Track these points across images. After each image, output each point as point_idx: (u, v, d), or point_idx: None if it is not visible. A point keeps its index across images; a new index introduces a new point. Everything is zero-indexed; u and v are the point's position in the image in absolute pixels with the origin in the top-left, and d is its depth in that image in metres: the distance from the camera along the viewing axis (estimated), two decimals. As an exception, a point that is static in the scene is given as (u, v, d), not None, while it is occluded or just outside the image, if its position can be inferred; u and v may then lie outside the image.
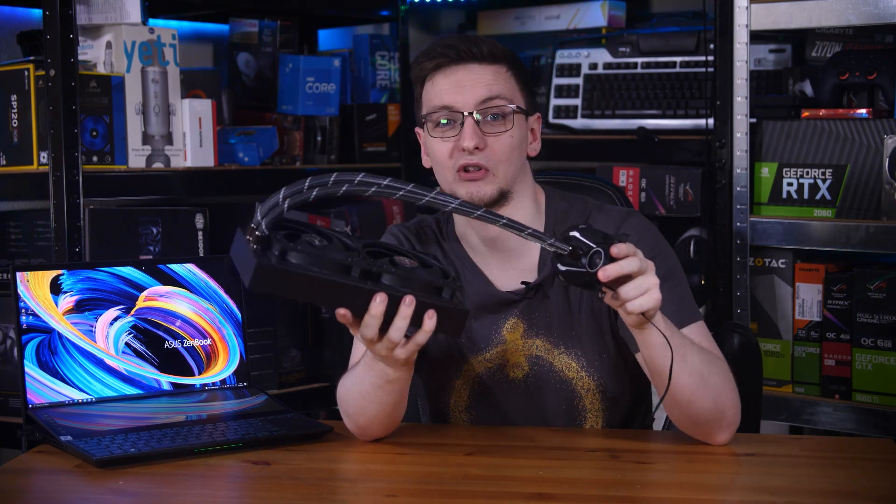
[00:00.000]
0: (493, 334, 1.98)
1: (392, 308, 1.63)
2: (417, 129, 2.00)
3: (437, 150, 1.92)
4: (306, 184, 1.61)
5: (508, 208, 1.93)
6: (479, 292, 1.97)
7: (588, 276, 1.64)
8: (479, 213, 1.67)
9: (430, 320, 1.64)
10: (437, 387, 2.01)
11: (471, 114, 1.90)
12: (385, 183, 1.63)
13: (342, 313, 1.63)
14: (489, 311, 1.98)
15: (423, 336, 1.67)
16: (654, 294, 1.67)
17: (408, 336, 1.67)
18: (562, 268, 1.66)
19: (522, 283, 1.96)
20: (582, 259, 1.64)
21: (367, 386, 1.81)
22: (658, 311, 1.71)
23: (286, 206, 1.58)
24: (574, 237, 1.65)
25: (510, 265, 1.98)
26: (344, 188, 1.61)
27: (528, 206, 1.98)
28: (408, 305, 1.63)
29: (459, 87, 1.91)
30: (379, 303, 1.62)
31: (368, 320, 1.63)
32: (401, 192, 1.63)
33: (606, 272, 1.63)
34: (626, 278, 1.66)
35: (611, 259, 1.63)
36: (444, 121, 1.91)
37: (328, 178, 1.61)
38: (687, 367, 1.77)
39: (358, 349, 1.92)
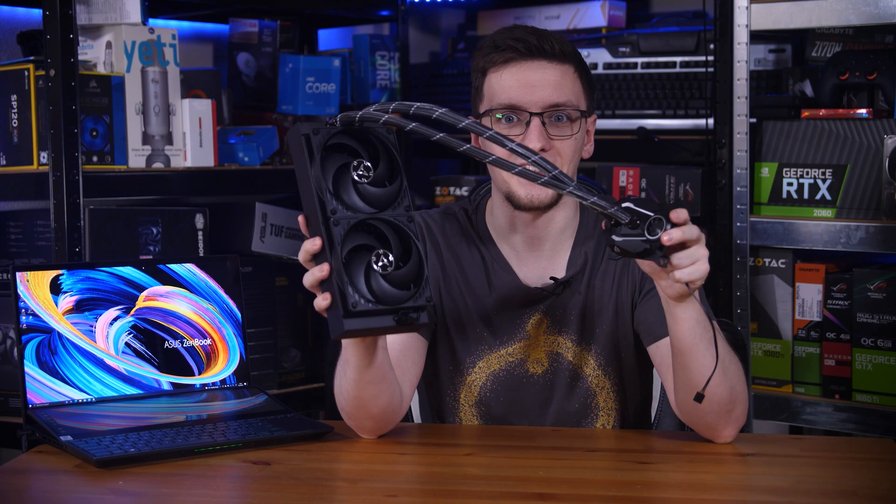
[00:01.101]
0: (517, 329, 1.99)
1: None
2: (472, 118, 1.98)
3: (498, 147, 1.87)
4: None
5: (557, 209, 1.95)
6: (506, 285, 1.98)
7: (649, 244, 1.63)
8: (546, 178, 1.61)
9: (324, 301, 1.69)
10: (448, 380, 2.01)
11: (538, 114, 1.88)
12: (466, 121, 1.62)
13: (301, 220, 1.66)
14: (515, 305, 1.98)
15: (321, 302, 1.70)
16: (703, 265, 1.67)
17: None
18: (617, 239, 1.64)
19: (551, 278, 1.97)
20: (641, 227, 1.63)
21: (350, 370, 1.80)
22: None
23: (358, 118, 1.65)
24: (629, 208, 1.64)
25: (540, 263, 1.99)
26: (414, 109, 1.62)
27: (571, 206, 1.99)
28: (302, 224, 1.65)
29: (529, 87, 1.89)
30: (315, 243, 1.64)
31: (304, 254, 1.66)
32: (510, 146, 1.60)
33: (671, 236, 1.63)
34: (680, 246, 1.66)
35: (672, 225, 1.64)
36: (510, 118, 1.90)
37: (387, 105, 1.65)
38: (712, 349, 1.76)
39: None
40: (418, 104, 1.62)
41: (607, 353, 1.99)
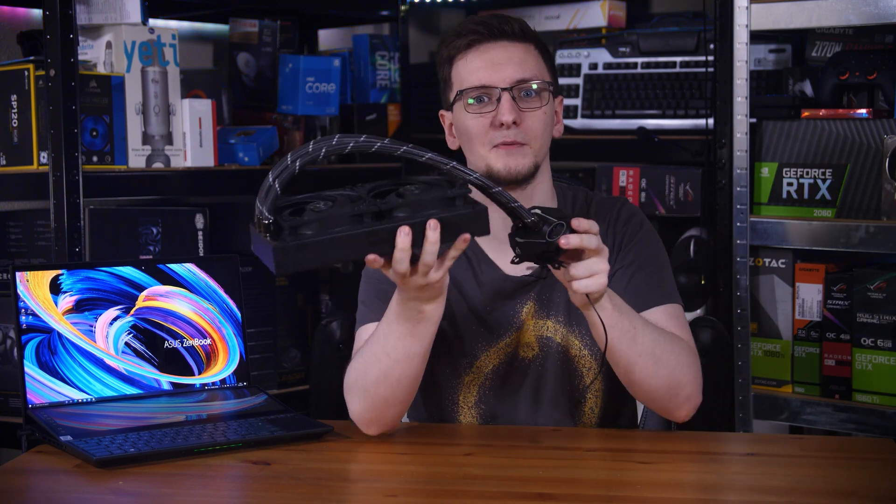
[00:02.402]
0: (511, 319, 2.00)
1: (417, 235, 1.64)
2: (443, 113, 2.03)
3: (471, 126, 1.95)
4: (288, 159, 1.60)
5: (534, 184, 1.99)
6: (495, 280, 2.00)
7: (547, 247, 1.69)
8: (452, 164, 1.67)
9: (433, 231, 1.64)
10: (445, 382, 2.01)
11: (507, 89, 1.93)
12: (380, 144, 1.64)
13: (371, 259, 1.64)
14: (506, 296, 2.00)
15: (455, 251, 1.68)
16: (600, 279, 1.73)
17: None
18: (520, 240, 1.71)
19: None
20: (543, 230, 1.69)
21: (392, 341, 1.79)
22: (607, 295, 1.78)
23: (277, 185, 1.58)
24: (536, 213, 1.70)
25: None
26: (323, 150, 1.61)
27: (547, 187, 2.04)
28: (434, 229, 1.64)
29: (495, 66, 1.95)
30: (404, 236, 1.63)
31: (399, 255, 1.64)
32: (400, 150, 1.64)
33: (568, 241, 1.69)
34: (578, 257, 1.72)
35: (572, 231, 1.69)
36: (480, 98, 1.94)
37: (306, 147, 1.61)
38: (637, 346, 1.84)
39: (363, 335, 1.93)
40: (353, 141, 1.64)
41: (592, 335, 1.98)
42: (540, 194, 2.01)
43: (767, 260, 2.61)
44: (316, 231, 1.58)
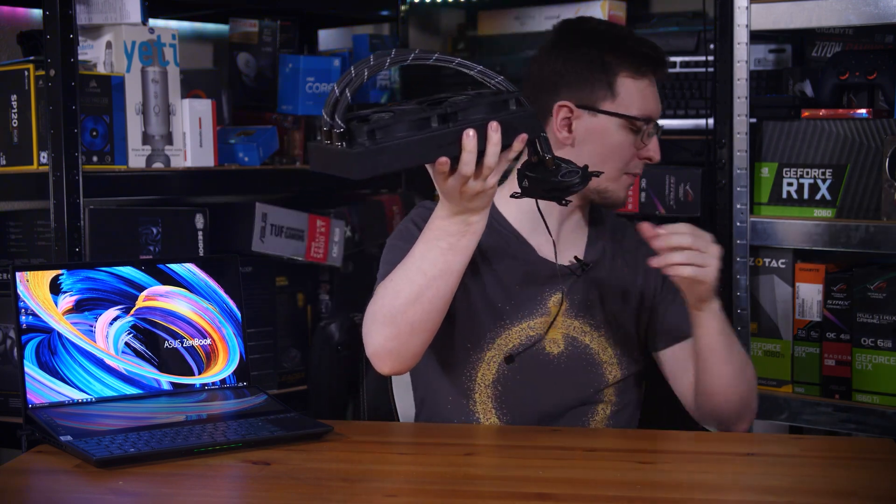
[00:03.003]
0: (537, 305, 2.02)
1: (482, 141, 1.68)
2: (567, 105, 2.02)
3: (621, 150, 2.01)
4: (353, 71, 1.64)
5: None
6: (530, 260, 2.03)
7: (558, 185, 1.75)
8: (499, 78, 1.73)
9: (495, 133, 1.68)
10: (465, 358, 2.02)
11: (659, 128, 2.04)
12: (437, 56, 1.70)
13: (442, 161, 1.67)
14: (536, 281, 2.03)
15: (513, 153, 1.72)
16: (711, 271, 1.84)
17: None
18: (530, 174, 1.76)
19: (575, 257, 2.04)
20: (561, 167, 1.75)
21: (431, 258, 1.79)
22: (716, 299, 1.90)
23: (348, 94, 1.63)
24: (558, 159, 1.77)
25: (562, 242, 2.05)
26: (388, 61, 1.66)
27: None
28: (495, 130, 1.68)
29: (656, 102, 2.04)
30: (472, 137, 1.67)
31: (466, 157, 1.67)
32: (454, 62, 1.70)
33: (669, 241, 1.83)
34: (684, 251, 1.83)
35: (588, 178, 1.77)
36: (639, 128, 2.01)
37: (368, 60, 1.65)
38: (731, 357, 1.93)
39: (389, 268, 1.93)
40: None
41: (623, 345, 2.06)
42: (595, 215, 2.11)
43: (767, 260, 2.61)
44: (387, 136, 1.63)
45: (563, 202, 1.78)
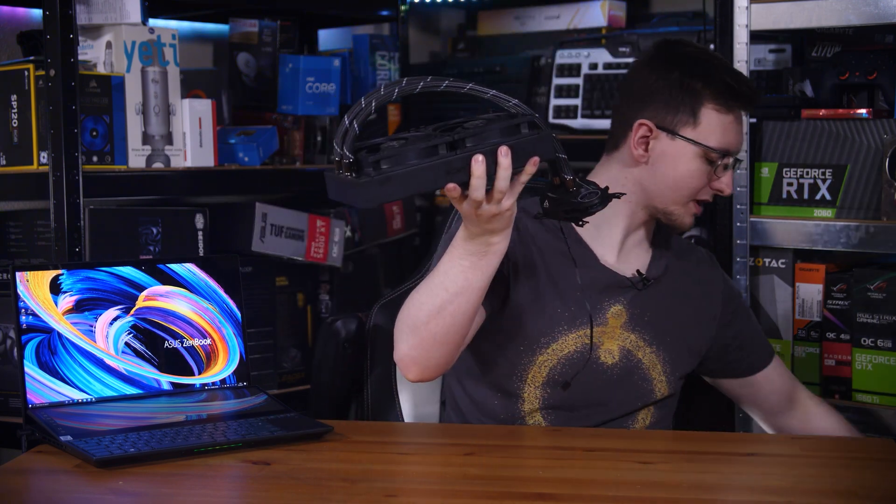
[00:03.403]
0: (597, 314, 2.03)
1: (489, 163, 1.69)
2: (646, 123, 2.03)
3: (693, 178, 2.03)
4: (363, 101, 1.66)
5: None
6: (593, 268, 2.04)
7: (578, 206, 1.77)
8: (514, 101, 1.74)
9: (504, 158, 1.68)
10: (516, 358, 2.02)
11: (738, 162, 2.07)
12: (448, 83, 1.71)
13: (451, 187, 1.68)
14: (598, 290, 2.04)
15: (525, 175, 1.72)
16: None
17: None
18: (552, 195, 1.78)
19: (638, 271, 2.05)
20: (581, 191, 1.77)
21: (453, 275, 1.81)
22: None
23: (356, 126, 1.65)
24: (578, 180, 1.78)
25: (625, 254, 2.08)
26: (396, 91, 1.68)
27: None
28: (505, 155, 1.68)
29: (739, 138, 2.06)
30: (480, 163, 1.67)
31: (475, 182, 1.68)
32: (466, 88, 1.73)
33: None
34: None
35: (607, 199, 1.78)
36: (716, 159, 2.02)
37: (378, 90, 1.68)
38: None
39: None
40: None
41: (674, 364, 2.08)
42: (663, 238, 2.14)
43: (767, 260, 2.61)
44: (395, 165, 1.65)
45: (580, 223, 1.81)
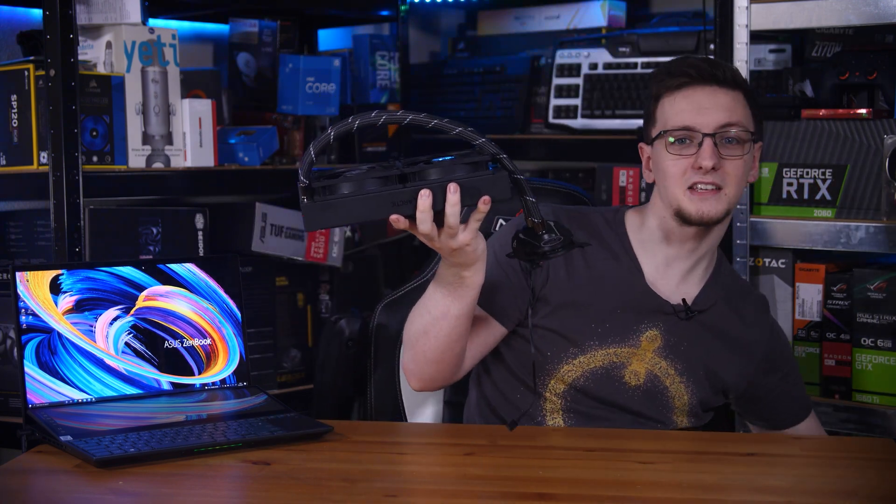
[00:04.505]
0: (630, 335, 2.03)
1: (439, 198, 1.72)
2: (642, 146, 2.07)
3: (670, 166, 1.99)
4: (329, 130, 1.71)
5: (718, 229, 2.05)
6: (637, 288, 2.03)
7: (537, 250, 1.80)
8: (483, 140, 1.74)
9: (453, 194, 1.71)
10: (540, 364, 2.02)
11: (710, 135, 1.97)
12: (412, 117, 1.74)
13: (395, 218, 1.72)
14: (636, 310, 2.03)
15: (478, 213, 1.74)
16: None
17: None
18: (522, 236, 1.81)
19: (683, 300, 2.04)
20: (543, 237, 1.80)
21: (435, 299, 1.86)
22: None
23: (312, 152, 1.70)
24: (550, 224, 1.81)
25: (674, 282, 2.06)
26: (357, 122, 1.71)
27: (719, 234, 2.08)
28: (453, 192, 1.71)
29: (700, 109, 1.99)
30: (425, 197, 1.71)
31: (420, 216, 1.72)
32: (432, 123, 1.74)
33: None
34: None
35: (570, 247, 1.81)
36: (682, 140, 1.99)
37: (345, 120, 1.72)
38: None
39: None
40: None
41: (702, 398, 2.07)
42: (708, 244, 2.06)
43: (767, 260, 2.61)
44: (343, 192, 1.70)
45: (535, 266, 1.85)
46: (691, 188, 1.98)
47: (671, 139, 1.99)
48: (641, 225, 2.07)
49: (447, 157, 1.76)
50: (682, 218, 2.00)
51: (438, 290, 1.86)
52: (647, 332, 2.03)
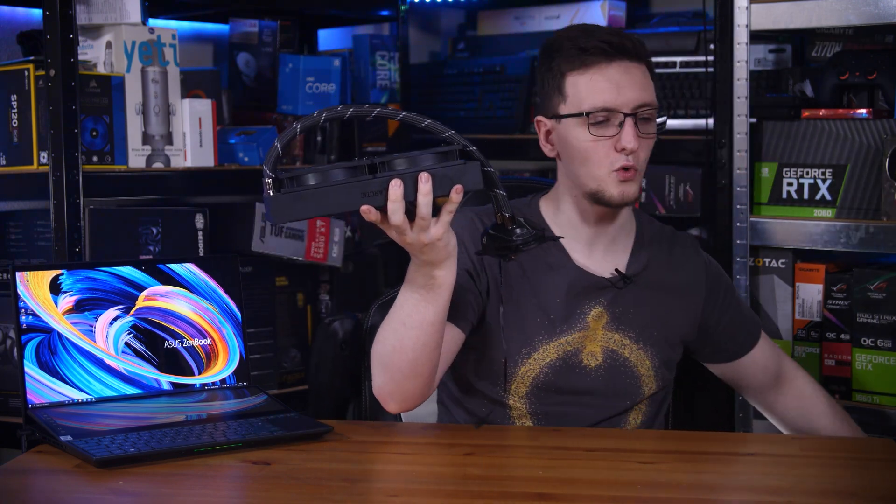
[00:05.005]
0: (577, 318, 2.02)
1: (410, 189, 1.70)
2: (541, 119, 2.02)
3: (591, 148, 1.95)
4: (294, 125, 1.70)
5: (627, 210, 2.04)
6: (570, 274, 2.02)
7: (510, 244, 1.79)
8: (450, 133, 1.74)
9: (424, 184, 1.70)
10: (499, 371, 2.01)
11: (631, 115, 1.94)
12: (379, 110, 1.74)
13: (366, 209, 1.69)
14: (577, 294, 2.02)
15: (450, 204, 1.73)
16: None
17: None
18: (492, 232, 1.80)
19: (616, 270, 2.02)
20: (514, 230, 1.78)
21: (407, 309, 1.81)
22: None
23: (279, 146, 1.69)
24: (518, 219, 1.80)
25: (603, 257, 2.05)
26: (324, 115, 1.71)
27: (629, 209, 2.08)
28: (425, 181, 1.69)
29: (619, 89, 1.95)
30: (396, 187, 1.68)
31: (391, 206, 1.69)
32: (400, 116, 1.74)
33: None
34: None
35: (541, 240, 1.80)
36: (601, 120, 1.95)
37: (311, 115, 1.71)
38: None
39: None
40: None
41: (662, 357, 2.06)
42: (625, 212, 2.05)
43: (767, 260, 2.61)
44: (310, 183, 1.68)
45: (507, 259, 1.84)
46: (615, 171, 1.96)
47: (596, 120, 1.95)
48: (557, 210, 2.05)
49: (419, 152, 1.75)
50: (600, 200, 1.98)
51: (410, 297, 1.82)
52: (591, 311, 2.02)
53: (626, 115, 1.93)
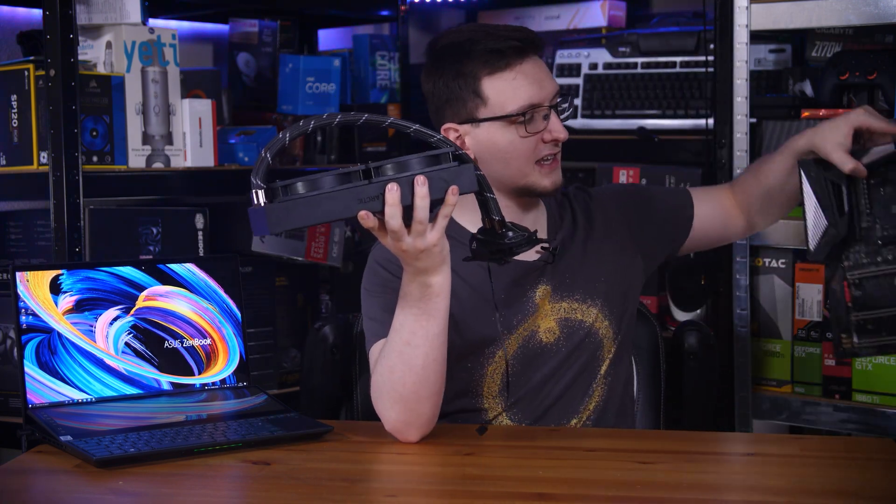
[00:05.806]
0: (525, 304, 2.03)
1: (407, 193, 1.69)
2: (452, 126, 2.01)
3: (519, 145, 1.97)
4: (281, 134, 1.69)
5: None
6: (507, 267, 1.98)
7: (503, 247, 1.78)
8: (439, 136, 1.74)
9: (421, 187, 1.69)
10: (468, 377, 2.02)
11: (553, 106, 1.97)
12: (366, 117, 1.74)
13: (363, 215, 1.68)
14: (518, 283, 2.03)
15: (447, 207, 1.72)
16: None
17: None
18: (481, 237, 1.79)
19: (542, 247, 2.00)
20: (507, 234, 1.78)
21: (409, 327, 1.80)
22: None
23: (268, 156, 1.67)
24: (507, 223, 1.79)
25: None
26: (311, 124, 1.69)
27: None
28: (421, 184, 1.69)
29: (540, 83, 1.97)
30: (393, 191, 1.68)
31: (389, 211, 1.68)
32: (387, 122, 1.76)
33: None
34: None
35: (533, 243, 1.79)
36: (529, 117, 1.96)
37: (298, 124, 1.69)
38: None
39: (376, 351, 1.92)
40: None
41: (613, 302, 2.07)
42: (540, 206, 2.09)
43: (767, 260, 2.61)
44: (304, 192, 1.66)
45: (502, 262, 1.82)
46: (539, 162, 1.98)
47: (519, 119, 1.96)
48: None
49: (404, 158, 1.74)
50: (531, 192, 2.01)
51: (409, 315, 1.80)
52: (535, 291, 2.03)
53: (550, 107, 1.97)
